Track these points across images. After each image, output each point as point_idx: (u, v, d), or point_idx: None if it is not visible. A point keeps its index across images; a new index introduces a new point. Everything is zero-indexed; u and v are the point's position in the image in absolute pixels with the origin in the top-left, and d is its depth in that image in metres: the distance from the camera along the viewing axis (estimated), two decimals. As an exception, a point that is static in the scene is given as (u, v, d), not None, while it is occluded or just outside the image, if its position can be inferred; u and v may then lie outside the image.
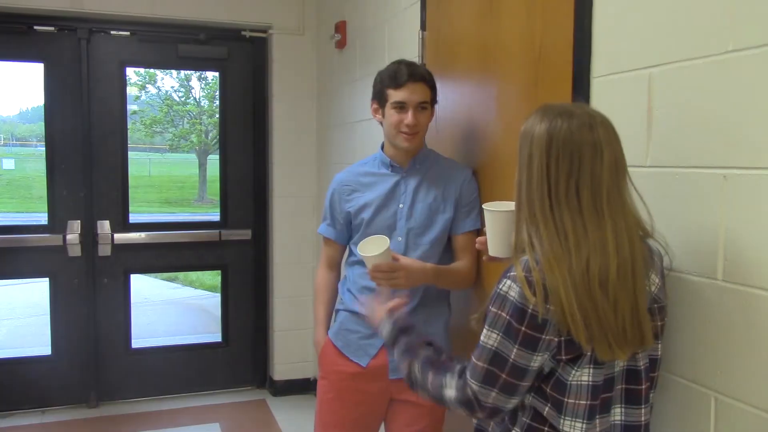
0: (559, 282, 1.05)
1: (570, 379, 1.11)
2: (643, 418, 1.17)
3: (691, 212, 1.21)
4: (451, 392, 1.19)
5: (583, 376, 1.11)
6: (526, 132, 1.15)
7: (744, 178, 1.11)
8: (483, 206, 1.41)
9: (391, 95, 1.85)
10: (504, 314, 1.09)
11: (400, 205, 1.91)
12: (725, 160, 1.14)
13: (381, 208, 1.92)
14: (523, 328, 1.07)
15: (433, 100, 1.90)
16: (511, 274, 1.10)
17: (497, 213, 1.36)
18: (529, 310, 1.06)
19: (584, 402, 1.11)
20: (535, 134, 1.13)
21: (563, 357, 1.09)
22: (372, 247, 1.72)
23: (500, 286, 1.11)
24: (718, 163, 1.15)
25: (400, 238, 1.90)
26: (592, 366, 1.10)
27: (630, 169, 1.15)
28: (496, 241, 1.37)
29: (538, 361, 1.09)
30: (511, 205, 1.30)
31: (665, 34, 1.27)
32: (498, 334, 1.10)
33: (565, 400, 1.11)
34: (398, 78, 1.83)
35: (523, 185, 1.14)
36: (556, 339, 1.08)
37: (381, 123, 1.93)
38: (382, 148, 2.00)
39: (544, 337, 1.07)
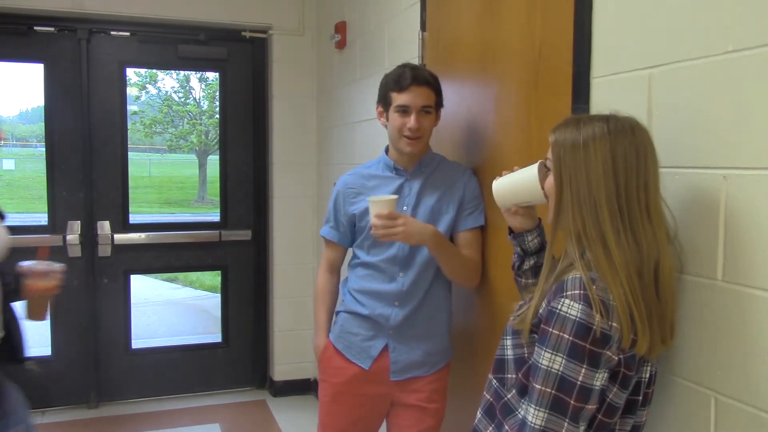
0: (626, 294, 1.05)
1: (611, 397, 1.10)
2: (644, 419, 1.20)
3: (690, 212, 1.21)
4: None
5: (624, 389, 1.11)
6: (571, 140, 1.12)
7: (744, 178, 1.11)
8: (541, 162, 1.31)
9: (394, 99, 1.85)
10: (567, 335, 1.05)
11: (404, 208, 1.91)
12: (725, 160, 1.14)
13: None
14: (588, 345, 1.04)
15: (438, 104, 1.89)
16: (569, 293, 1.07)
17: (536, 180, 1.30)
18: (594, 327, 1.04)
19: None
20: (590, 139, 1.10)
21: (620, 374, 1.08)
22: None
23: (558, 307, 1.07)
24: (718, 163, 1.15)
25: None
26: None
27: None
28: (509, 188, 1.35)
29: (599, 379, 1.05)
30: (533, 178, 1.30)
31: (665, 34, 1.27)
32: (563, 357, 1.05)
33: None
34: (402, 81, 1.83)
35: (575, 197, 1.11)
36: (615, 357, 1.06)
37: (386, 126, 1.93)
38: (386, 151, 2.00)
39: (605, 352, 1.05)
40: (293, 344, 3.89)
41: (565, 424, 1.05)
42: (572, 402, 1.04)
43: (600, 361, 1.05)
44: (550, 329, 1.07)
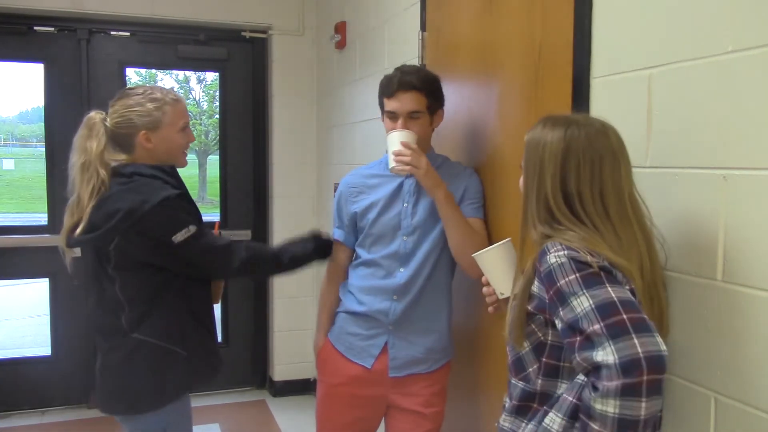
0: (609, 255, 1.08)
1: None
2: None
3: (691, 213, 1.21)
4: (606, 383, 0.97)
5: None
6: (536, 140, 1.17)
7: (744, 178, 1.11)
8: (473, 256, 1.43)
9: (385, 104, 1.88)
10: (572, 275, 1.05)
11: (405, 204, 1.91)
12: (725, 160, 1.14)
13: (386, 208, 1.92)
14: (594, 270, 1.04)
15: (430, 107, 1.88)
16: (551, 251, 1.10)
17: (496, 249, 1.38)
18: (587, 259, 1.06)
19: None
20: (548, 142, 1.15)
21: None
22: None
23: (547, 264, 1.09)
24: (718, 163, 1.15)
25: (405, 237, 1.89)
26: None
27: (630, 170, 1.18)
28: (504, 277, 1.38)
29: (627, 293, 1.04)
30: (499, 243, 1.38)
31: (665, 34, 1.27)
32: (584, 293, 1.03)
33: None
34: (389, 87, 1.84)
35: (533, 191, 1.17)
36: (627, 287, 1.08)
37: None
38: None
39: (615, 272, 1.07)
40: (293, 344, 3.88)
41: (635, 339, 0.96)
42: (624, 316, 0.99)
43: (615, 279, 1.06)
44: (557, 284, 1.07)
